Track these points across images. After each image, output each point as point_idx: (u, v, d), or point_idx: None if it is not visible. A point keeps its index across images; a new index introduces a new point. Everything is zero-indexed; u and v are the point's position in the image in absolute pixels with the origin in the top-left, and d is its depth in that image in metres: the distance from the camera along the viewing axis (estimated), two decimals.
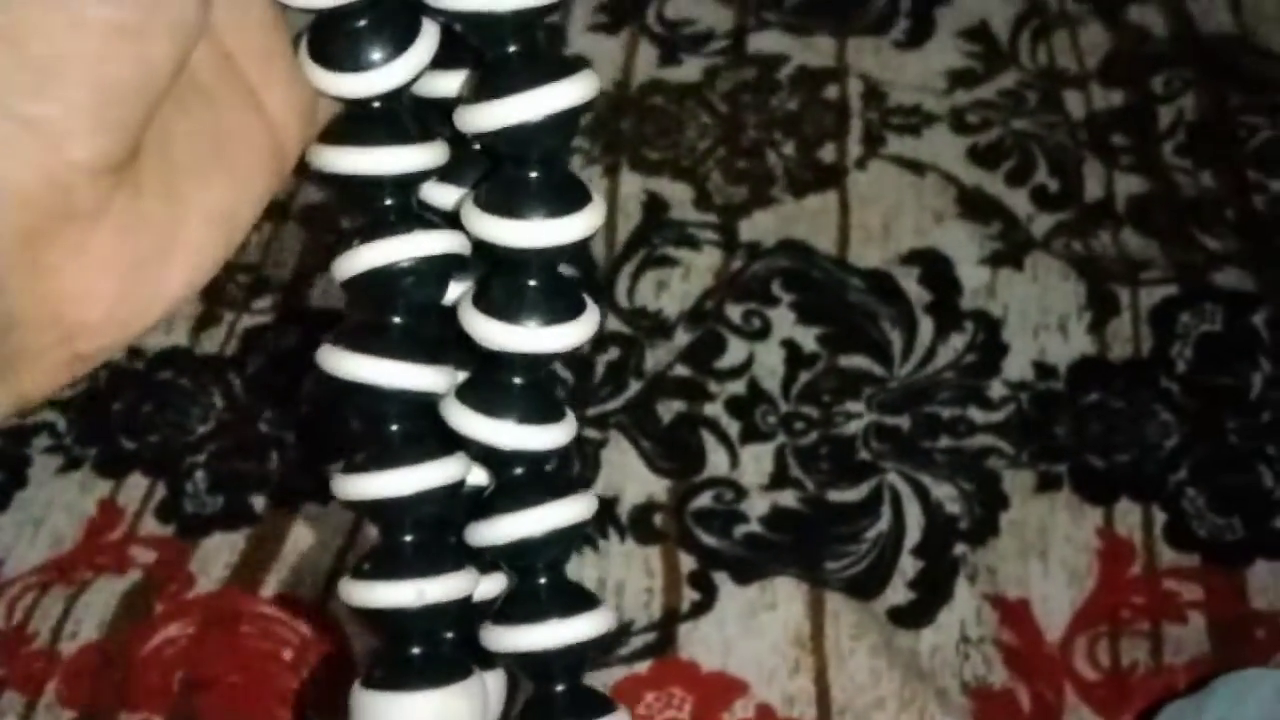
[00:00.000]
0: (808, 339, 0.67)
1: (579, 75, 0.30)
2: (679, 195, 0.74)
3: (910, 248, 0.70)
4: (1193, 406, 0.63)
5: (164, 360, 0.67)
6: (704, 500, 0.61)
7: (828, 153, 0.75)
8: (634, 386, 0.66)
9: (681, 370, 0.66)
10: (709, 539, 0.60)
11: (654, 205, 0.74)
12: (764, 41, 0.82)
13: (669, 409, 0.65)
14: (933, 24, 0.83)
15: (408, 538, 0.32)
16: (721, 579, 0.59)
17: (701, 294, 0.69)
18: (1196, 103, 0.77)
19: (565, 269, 0.32)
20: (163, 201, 0.27)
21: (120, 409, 0.65)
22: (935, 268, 0.69)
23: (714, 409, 0.65)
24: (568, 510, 0.33)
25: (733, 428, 0.64)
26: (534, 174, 0.30)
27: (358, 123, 0.30)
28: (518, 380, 0.32)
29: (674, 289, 0.70)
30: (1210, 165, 0.73)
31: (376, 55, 0.29)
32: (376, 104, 0.30)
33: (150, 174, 0.26)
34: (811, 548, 0.59)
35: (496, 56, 0.30)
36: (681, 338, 0.67)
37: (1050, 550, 0.59)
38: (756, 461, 0.63)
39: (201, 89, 0.28)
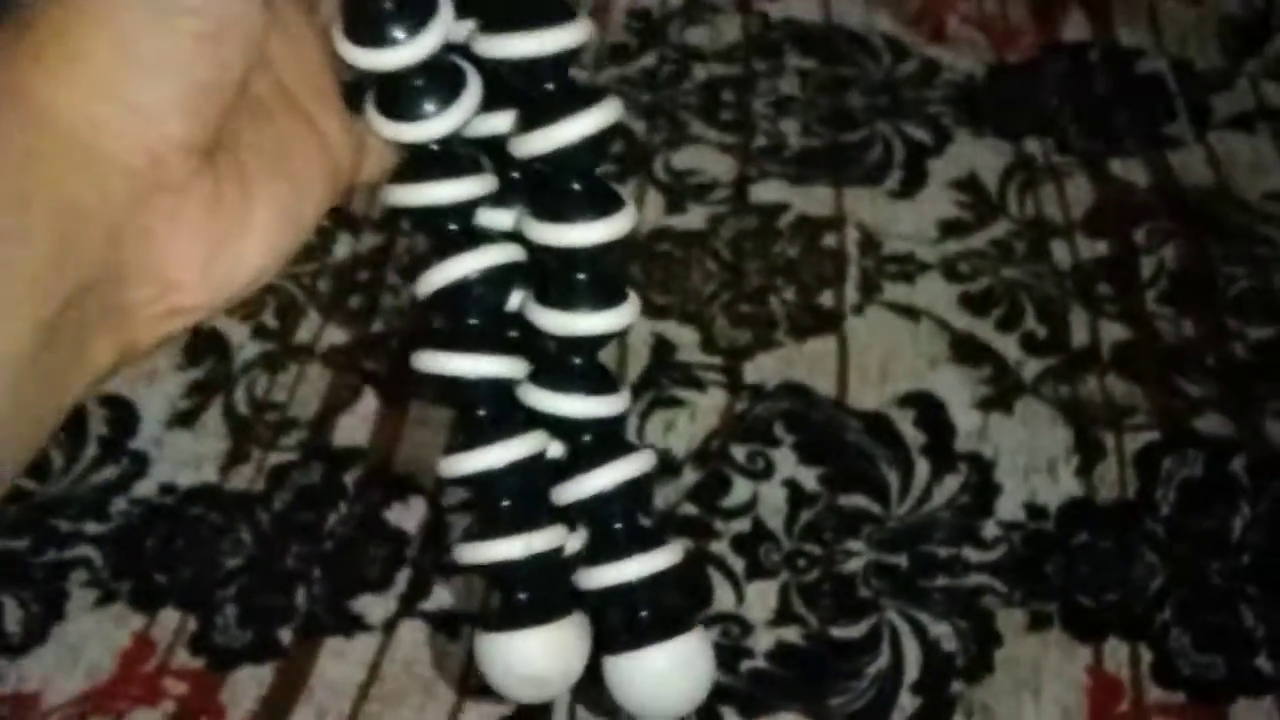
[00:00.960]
0: (809, 479, 0.70)
1: (606, 102, 0.36)
2: (686, 338, 0.78)
3: (906, 390, 0.74)
4: (1177, 549, 0.66)
5: (195, 496, 0.70)
6: (711, 636, 0.64)
7: (827, 298, 0.79)
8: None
9: (689, 509, 0.69)
10: (716, 674, 0.62)
11: (662, 347, 0.77)
12: (765, 191, 0.86)
13: None
14: (925, 175, 0.87)
15: (505, 503, 0.39)
16: (729, 713, 0.61)
17: (707, 434, 0.73)
18: (1177, 253, 0.81)
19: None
20: (236, 189, 0.33)
21: (153, 544, 0.68)
22: (930, 411, 0.73)
23: (720, 546, 0.68)
24: (633, 465, 0.39)
25: (738, 565, 0.67)
26: (577, 186, 0.37)
27: (420, 163, 0.37)
28: (578, 361, 0.39)
29: (681, 429, 0.73)
30: (1191, 313, 0.77)
31: (431, 107, 0.36)
32: (434, 147, 0.36)
33: (226, 167, 0.33)
34: (815, 684, 0.62)
35: (539, 93, 0.36)
36: (689, 477, 0.71)
37: (1043, 687, 0.62)
38: (761, 598, 0.66)
39: (266, 109, 0.34)
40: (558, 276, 0.38)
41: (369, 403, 0.74)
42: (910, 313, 0.78)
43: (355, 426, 0.73)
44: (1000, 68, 0.95)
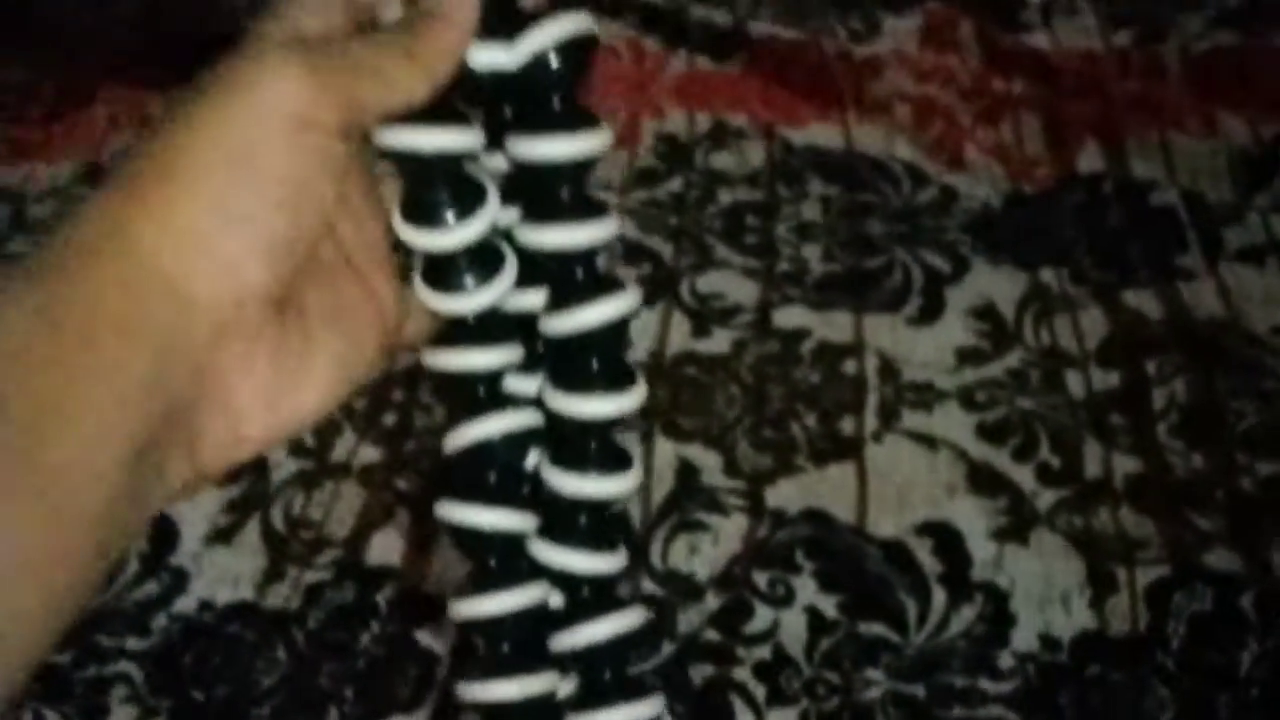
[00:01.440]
0: (829, 606, 0.72)
1: (627, 291, 0.42)
2: (710, 462, 0.80)
3: (924, 519, 0.76)
4: (1186, 682, 0.68)
5: (233, 614, 0.72)
6: None
7: (847, 425, 0.82)
8: (667, 649, 0.71)
9: (712, 634, 0.71)
10: None
11: (686, 471, 0.79)
12: (788, 316, 0.89)
13: (700, 672, 0.69)
14: (943, 302, 0.90)
15: (506, 647, 0.43)
16: None
17: (730, 559, 0.75)
18: (1188, 386, 0.83)
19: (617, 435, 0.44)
20: (300, 340, 0.38)
21: (191, 661, 0.70)
22: (947, 540, 0.75)
23: (742, 673, 0.69)
24: (625, 620, 0.44)
25: (759, 691, 0.69)
26: (594, 362, 0.42)
27: (457, 331, 0.42)
28: (584, 519, 0.43)
29: (704, 553, 0.75)
30: (1201, 447, 0.79)
31: (472, 283, 0.40)
32: (471, 319, 0.41)
33: (292, 320, 0.37)
34: None
35: (568, 278, 0.41)
36: (711, 601, 0.73)
37: None
38: None
39: (329, 273, 0.39)
40: (571, 443, 0.42)
41: (401, 522, 0.77)
42: (929, 441, 0.80)
43: (388, 546, 0.76)
44: (1017, 197, 0.98)
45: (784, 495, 0.78)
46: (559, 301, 0.42)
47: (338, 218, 0.38)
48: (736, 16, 1.17)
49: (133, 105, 1.09)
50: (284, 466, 0.79)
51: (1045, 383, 0.84)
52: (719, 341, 0.88)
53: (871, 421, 0.82)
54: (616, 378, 0.42)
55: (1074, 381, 0.84)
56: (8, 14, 1.16)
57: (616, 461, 0.43)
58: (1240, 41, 1.08)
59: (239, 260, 0.36)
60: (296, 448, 0.80)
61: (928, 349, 0.87)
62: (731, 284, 0.92)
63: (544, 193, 0.41)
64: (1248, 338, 0.86)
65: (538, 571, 0.43)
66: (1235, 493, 0.77)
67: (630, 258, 0.94)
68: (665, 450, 0.81)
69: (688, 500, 0.78)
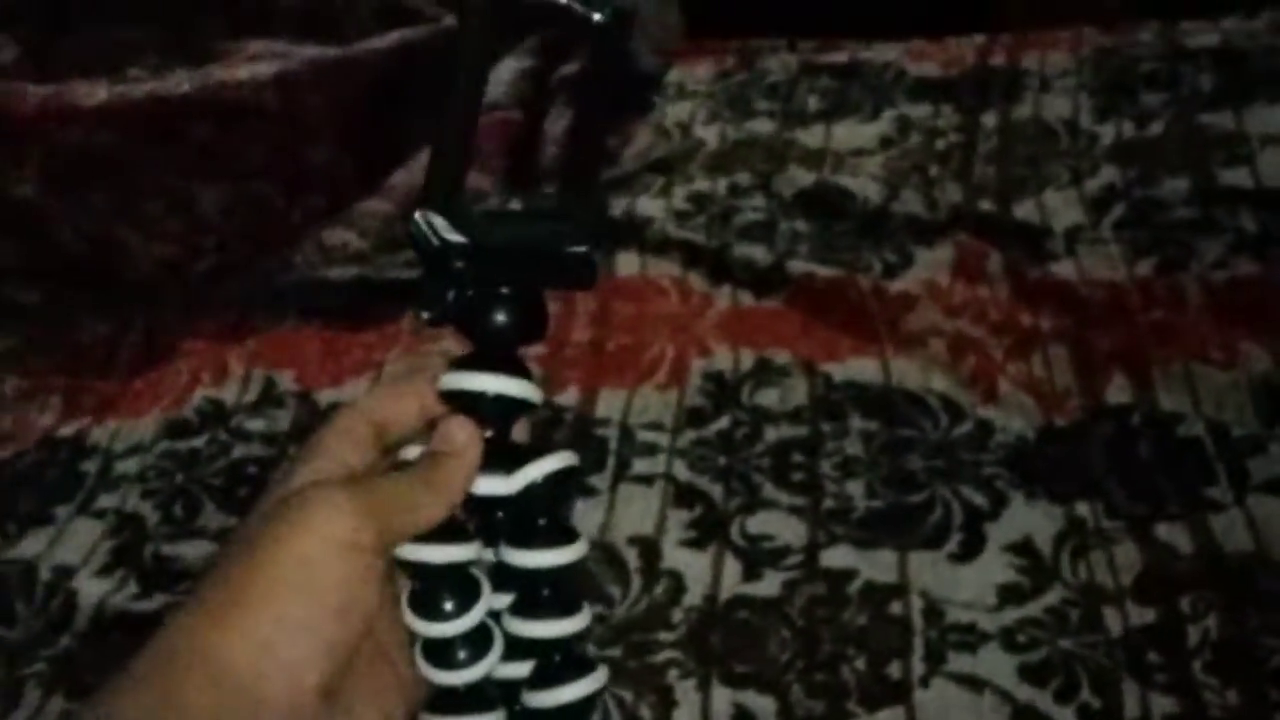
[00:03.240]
0: None
1: (598, 671, 0.52)
2: (765, 708, 0.84)
3: None
4: None
5: None
6: None
7: (895, 669, 0.86)
8: None
9: None
10: None
11: (742, 718, 0.84)
12: (834, 557, 0.94)
13: None
14: (983, 539, 0.94)
15: None
16: None
17: None
18: (1219, 622, 0.86)
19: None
20: (346, 718, 0.45)
21: None
22: None
23: None
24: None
25: None
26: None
27: (450, 699, 0.50)
28: None
29: None
30: (1234, 684, 0.83)
31: (464, 657, 0.49)
32: (460, 688, 0.50)
33: (340, 703, 0.45)
34: None
35: (548, 663, 0.51)
36: None
37: None
38: None
39: (368, 659, 0.47)
40: None
41: None
42: (974, 684, 0.84)
43: None
44: (1049, 430, 1.03)
45: None
46: (540, 681, 0.51)
47: (376, 618, 0.47)
48: (776, 253, 1.24)
49: (212, 360, 1.16)
50: None
51: (1084, 621, 0.87)
52: (770, 584, 0.92)
53: (918, 666, 0.86)
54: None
55: (1111, 618, 0.88)
56: (91, 272, 1.24)
57: None
58: (1259, 269, 1.13)
59: (301, 665, 0.44)
60: None
61: (970, 587, 0.91)
62: (780, 524, 0.97)
63: (529, 590, 0.51)
64: (1276, 571, 0.90)
65: None
66: None
67: (682, 500, 0.99)
68: (722, 696, 0.85)
69: None
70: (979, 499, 0.97)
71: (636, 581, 0.93)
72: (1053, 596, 0.89)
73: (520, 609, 0.51)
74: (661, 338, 1.16)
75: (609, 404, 1.09)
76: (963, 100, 1.45)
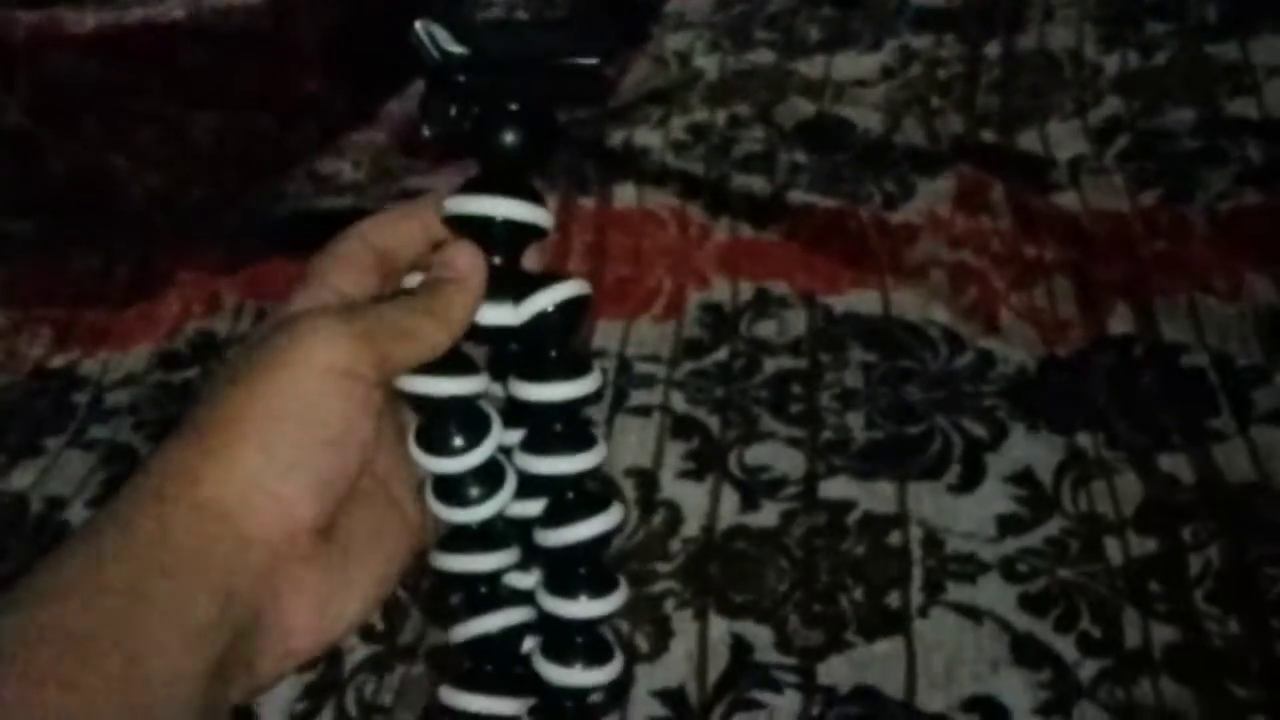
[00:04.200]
0: None
1: (613, 508, 0.49)
2: (762, 638, 0.83)
3: (971, 694, 0.79)
4: None
5: None
6: None
7: (894, 599, 0.85)
8: None
9: None
10: None
11: (740, 647, 0.83)
12: (833, 487, 0.93)
13: None
14: (983, 470, 0.93)
15: None
16: None
17: None
18: (1221, 551, 0.86)
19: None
20: (343, 559, 0.43)
21: None
22: (993, 715, 0.78)
23: None
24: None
25: None
26: (582, 570, 0.49)
27: (462, 538, 0.49)
28: (569, 705, 0.50)
29: None
30: (1236, 613, 0.82)
31: (476, 495, 0.47)
32: (475, 526, 0.48)
33: (337, 541, 0.43)
34: None
35: (560, 497, 0.49)
36: None
37: None
38: None
39: (366, 496, 0.45)
40: (560, 639, 0.50)
41: None
42: (973, 613, 0.83)
43: None
44: (1050, 361, 1.01)
45: (835, 672, 0.81)
46: (552, 518, 0.49)
47: (374, 452, 0.45)
48: (776, 184, 1.22)
49: (204, 291, 1.15)
50: (356, 651, 0.83)
51: (1084, 551, 0.87)
52: (768, 515, 0.91)
53: (917, 596, 0.85)
54: (602, 583, 0.49)
55: (1112, 548, 0.87)
56: (82, 202, 1.23)
57: (599, 654, 0.50)
58: (1265, 200, 1.11)
59: (292, 499, 0.41)
60: (368, 632, 0.84)
61: (969, 518, 0.90)
62: (778, 455, 0.96)
63: (541, 426, 0.49)
64: (1278, 501, 0.89)
65: None
66: (1269, 659, 0.79)
67: (679, 431, 0.98)
68: (719, 626, 0.84)
69: (743, 678, 0.81)
70: (979, 430, 0.96)
71: (634, 513, 0.92)
72: (1053, 526, 0.89)
73: (531, 445, 0.48)
74: (659, 269, 1.14)
75: (606, 335, 1.08)
76: (965, 30, 1.43)
